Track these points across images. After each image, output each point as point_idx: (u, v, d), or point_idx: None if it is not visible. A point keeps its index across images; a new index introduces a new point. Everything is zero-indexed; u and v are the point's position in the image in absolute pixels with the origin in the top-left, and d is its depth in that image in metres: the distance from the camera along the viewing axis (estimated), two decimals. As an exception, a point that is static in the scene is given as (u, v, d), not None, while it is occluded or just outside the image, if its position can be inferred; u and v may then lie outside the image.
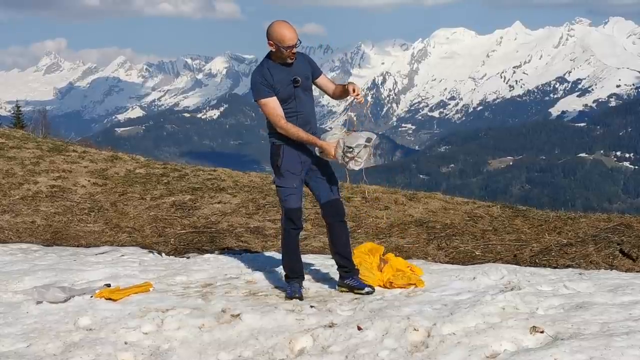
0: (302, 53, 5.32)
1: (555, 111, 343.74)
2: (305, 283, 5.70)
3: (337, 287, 5.60)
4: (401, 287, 5.48)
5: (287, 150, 5.23)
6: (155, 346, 4.53)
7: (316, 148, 5.17)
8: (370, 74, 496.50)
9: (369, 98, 5.24)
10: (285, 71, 5.15)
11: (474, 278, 5.59)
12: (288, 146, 5.21)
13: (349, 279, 5.50)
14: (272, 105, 5.12)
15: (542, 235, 7.39)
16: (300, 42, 5.10)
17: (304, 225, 5.52)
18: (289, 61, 5.13)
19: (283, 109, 5.18)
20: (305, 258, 6.72)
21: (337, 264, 5.56)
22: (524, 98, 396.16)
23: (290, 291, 5.41)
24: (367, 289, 5.42)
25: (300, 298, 5.35)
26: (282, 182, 5.31)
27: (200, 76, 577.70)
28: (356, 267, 5.57)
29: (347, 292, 5.49)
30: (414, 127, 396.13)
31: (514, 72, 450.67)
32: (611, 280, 5.50)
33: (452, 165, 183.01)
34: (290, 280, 5.51)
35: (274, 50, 5.10)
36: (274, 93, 5.13)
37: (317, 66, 5.43)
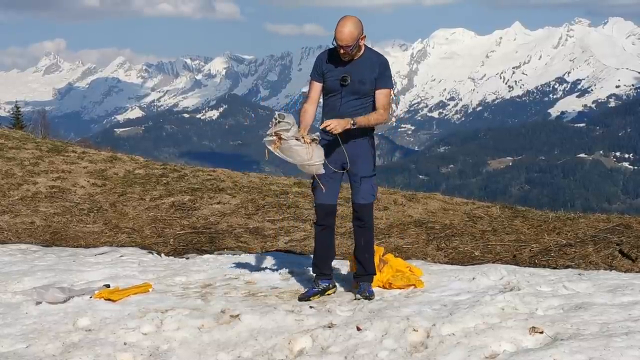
0: (380, 57, 5.17)
1: (554, 112, 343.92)
2: (304, 283, 5.71)
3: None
4: (400, 288, 5.48)
5: (324, 143, 5.11)
6: (155, 347, 4.53)
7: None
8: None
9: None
10: (341, 65, 5.10)
11: (473, 278, 5.59)
12: (322, 140, 5.10)
13: (360, 285, 5.40)
14: (310, 88, 5.21)
15: (542, 236, 7.39)
16: (351, 48, 4.94)
17: (323, 224, 5.30)
18: (343, 59, 5.06)
19: (327, 100, 5.18)
20: (305, 259, 6.73)
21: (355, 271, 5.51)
22: (523, 98, 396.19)
23: (306, 292, 5.39)
24: (357, 295, 5.29)
25: (304, 299, 5.29)
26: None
27: (199, 77, 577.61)
28: (369, 274, 5.41)
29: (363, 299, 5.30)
30: (413, 128, 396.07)
31: (514, 73, 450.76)
32: (610, 281, 5.49)
33: (452, 165, 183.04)
34: (314, 278, 5.45)
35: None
36: (321, 79, 5.15)
37: (386, 78, 5.17)
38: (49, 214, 9.19)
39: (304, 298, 5.32)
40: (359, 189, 5.23)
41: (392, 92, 5.29)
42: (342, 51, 5.00)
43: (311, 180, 5.33)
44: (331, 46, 5.11)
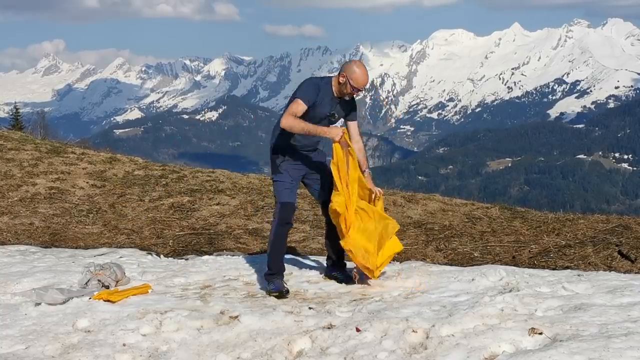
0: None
1: (553, 112, 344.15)
2: (303, 284, 5.72)
3: (324, 275, 5.94)
4: (384, 263, 5.62)
5: (288, 152, 5.59)
6: (154, 348, 4.53)
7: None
8: (369, 75, 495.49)
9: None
10: (332, 102, 5.43)
11: (473, 279, 5.59)
12: (288, 149, 5.56)
13: (335, 272, 5.83)
14: (301, 109, 5.30)
15: (541, 237, 7.39)
16: (365, 89, 5.43)
17: (289, 222, 5.69)
18: (345, 98, 5.43)
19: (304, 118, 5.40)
20: (304, 260, 6.73)
21: (327, 256, 5.90)
22: (522, 99, 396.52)
23: (275, 287, 5.51)
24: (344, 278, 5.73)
25: (286, 293, 5.46)
26: (279, 177, 5.63)
27: (198, 78, 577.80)
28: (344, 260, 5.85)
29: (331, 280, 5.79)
30: (412, 129, 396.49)
31: (513, 74, 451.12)
32: (610, 282, 5.49)
33: (451, 166, 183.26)
34: (272, 277, 5.59)
35: (342, 82, 5.35)
36: (310, 105, 5.35)
37: (356, 111, 5.69)
38: (48, 215, 9.19)
39: (281, 293, 5.48)
40: (326, 187, 5.59)
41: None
42: (356, 94, 5.43)
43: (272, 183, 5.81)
44: (322, 76, 5.56)
